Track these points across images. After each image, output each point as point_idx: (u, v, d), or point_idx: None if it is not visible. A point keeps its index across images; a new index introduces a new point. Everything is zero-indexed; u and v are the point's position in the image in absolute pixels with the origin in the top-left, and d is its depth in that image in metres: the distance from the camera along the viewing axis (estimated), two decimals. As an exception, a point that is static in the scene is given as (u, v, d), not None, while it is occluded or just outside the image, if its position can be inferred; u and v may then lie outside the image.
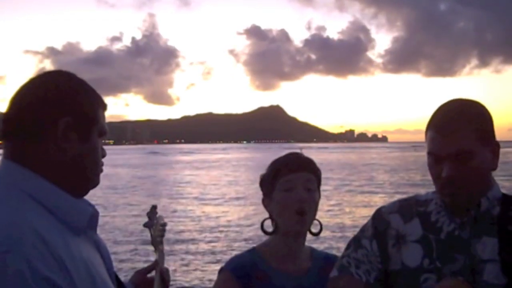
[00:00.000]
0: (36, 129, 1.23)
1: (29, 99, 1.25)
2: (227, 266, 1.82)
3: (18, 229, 1.09)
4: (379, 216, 1.68)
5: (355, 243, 1.69)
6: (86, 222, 1.27)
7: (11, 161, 1.23)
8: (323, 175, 1.96)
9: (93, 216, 1.31)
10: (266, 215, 1.92)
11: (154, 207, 1.80)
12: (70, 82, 1.30)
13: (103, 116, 1.35)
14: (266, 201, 1.89)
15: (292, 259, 1.84)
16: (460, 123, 1.49)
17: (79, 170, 1.28)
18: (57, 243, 1.13)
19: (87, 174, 1.30)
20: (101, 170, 1.36)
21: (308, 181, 1.83)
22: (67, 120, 1.24)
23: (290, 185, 1.81)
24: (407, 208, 1.66)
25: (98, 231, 1.36)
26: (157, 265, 1.71)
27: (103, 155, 1.36)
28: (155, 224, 1.76)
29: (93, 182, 1.33)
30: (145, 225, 1.79)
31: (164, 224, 1.77)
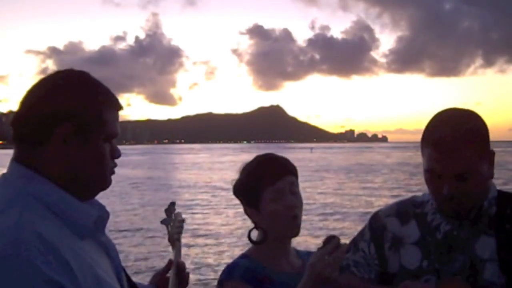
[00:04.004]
0: (39, 134, 1.23)
1: (33, 102, 1.25)
2: (232, 276, 1.75)
3: (22, 233, 1.10)
4: (376, 220, 1.71)
5: (353, 246, 1.72)
6: (91, 225, 1.27)
7: (19, 164, 1.24)
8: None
9: (101, 218, 1.31)
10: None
11: (172, 204, 1.79)
12: (74, 86, 1.27)
13: (114, 118, 1.31)
14: (250, 211, 1.84)
15: (286, 259, 1.85)
16: (461, 144, 1.46)
17: (83, 175, 1.26)
18: (61, 245, 1.13)
19: (92, 179, 1.29)
20: (112, 172, 1.33)
21: (292, 184, 1.81)
22: (66, 127, 1.22)
23: (278, 194, 1.77)
24: (404, 210, 1.68)
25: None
26: (172, 263, 1.71)
27: (117, 156, 1.34)
28: (172, 220, 1.76)
29: (100, 185, 1.32)
30: (163, 222, 1.78)
31: (182, 221, 1.76)
